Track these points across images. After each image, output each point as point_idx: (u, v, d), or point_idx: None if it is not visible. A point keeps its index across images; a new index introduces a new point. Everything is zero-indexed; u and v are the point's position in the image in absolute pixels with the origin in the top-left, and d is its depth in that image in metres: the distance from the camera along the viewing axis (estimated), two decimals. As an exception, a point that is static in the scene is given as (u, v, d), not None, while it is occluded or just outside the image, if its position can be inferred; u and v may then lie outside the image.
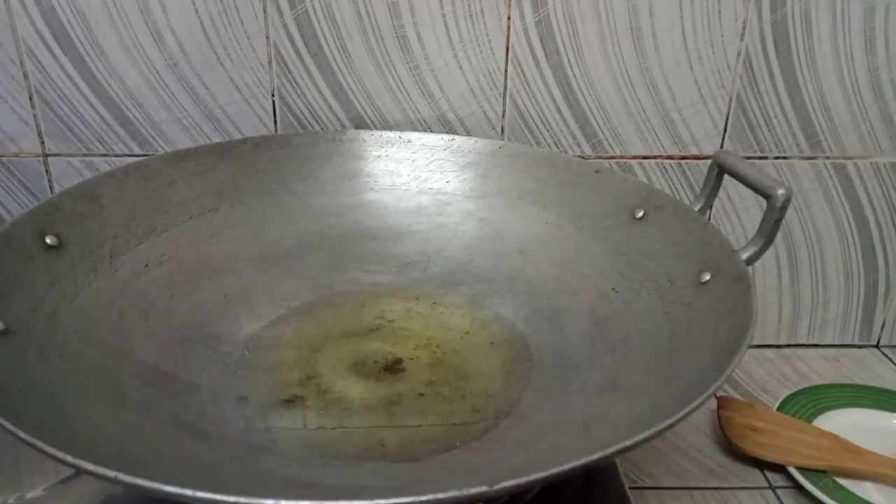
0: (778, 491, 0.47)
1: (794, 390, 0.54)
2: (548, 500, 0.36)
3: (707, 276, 0.36)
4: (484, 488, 0.20)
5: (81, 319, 0.36)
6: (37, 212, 0.38)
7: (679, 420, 0.24)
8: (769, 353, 0.62)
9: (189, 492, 0.20)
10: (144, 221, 0.43)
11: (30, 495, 0.36)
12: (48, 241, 0.37)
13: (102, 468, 0.21)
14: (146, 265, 0.42)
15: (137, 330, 0.38)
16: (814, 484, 0.45)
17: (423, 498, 0.20)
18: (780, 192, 0.35)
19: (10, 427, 0.22)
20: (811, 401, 0.53)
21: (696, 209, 0.42)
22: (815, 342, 0.62)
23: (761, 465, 0.49)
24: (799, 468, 0.46)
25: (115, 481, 0.20)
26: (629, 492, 0.39)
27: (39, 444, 0.22)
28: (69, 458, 0.21)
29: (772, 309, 0.61)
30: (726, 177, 0.41)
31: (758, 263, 0.59)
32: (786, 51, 0.52)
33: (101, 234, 0.41)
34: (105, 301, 0.38)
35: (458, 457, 0.33)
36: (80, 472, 0.21)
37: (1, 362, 0.29)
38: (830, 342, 0.62)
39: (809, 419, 0.51)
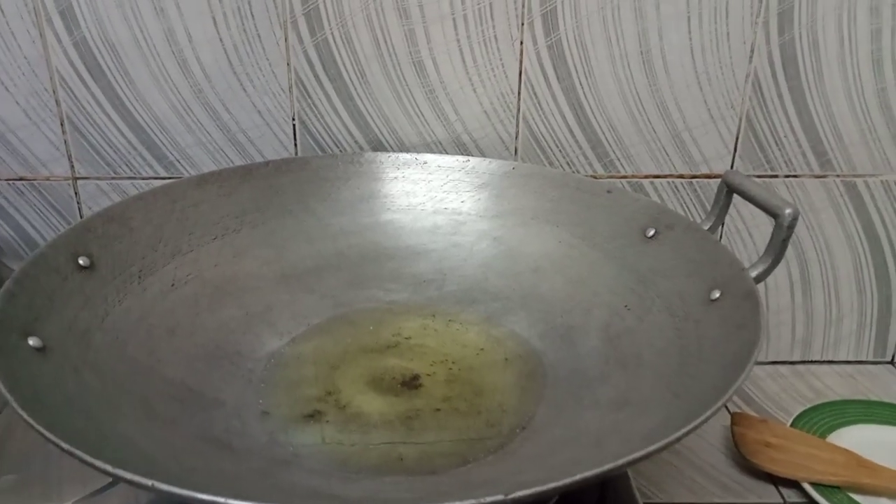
0: (791, 507, 0.47)
1: (809, 406, 0.54)
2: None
3: (717, 294, 0.37)
4: (500, 497, 0.21)
5: (112, 337, 0.37)
6: (70, 234, 0.40)
7: (687, 433, 0.25)
8: (783, 369, 0.62)
9: (221, 499, 0.21)
10: (171, 242, 0.45)
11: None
12: (81, 262, 0.39)
13: (140, 477, 0.22)
14: (173, 284, 0.44)
15: (164, 347, 0.40)
16: (828, 500, 0.45)
17: None
18: (788, 211, 0.36)
19: (53, 438, 0.24)
20: (825, 417, 0.53)
21: (706, 228, 0.43)
22: (830, 359, 0.62)
23: (775, 480, 0.49)
24: (813, 484, 0.46)
25: (151, 489, 0.21)
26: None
27: (80, 454, 0.23)
28: (109, 468, 0.22)
29: (785, 326, 0.61)
30: (737, 195, 0.42)
31: (771, 281, 0.60)
32: (794, 72, 0.53)
33: (130, 254, 0.42)
34: (134, 319, 0.40)
35: (475, 470, 0.34)
36: (117, 480, 0.23)
37: (40, 378, 0.30)
38: (844, 359, 0.62)
39: (823, 435, 0.51)
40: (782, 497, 0.48)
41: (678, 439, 0.25)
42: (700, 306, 0.37)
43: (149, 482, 0.22)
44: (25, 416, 0.25)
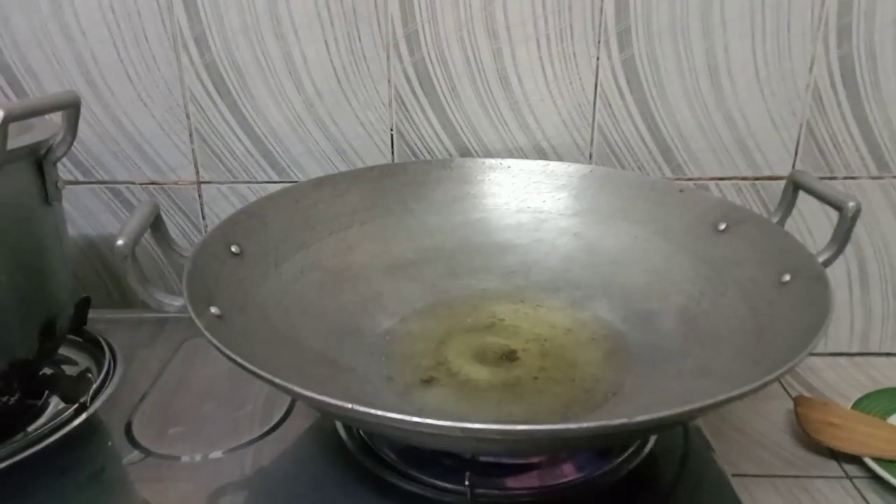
0: (854, 480, 0.51)
1: (867, 392, 0.58)
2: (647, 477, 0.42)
3: (787, 277, 0.41)
4: (624, 420, 0.27)
5: (261, 313, 0.44)
6: (223, 227, 0.47)
7: (774, 380, 0.30)
8: (842, 360, 0.66)
9: (416, 418, 0.27)
10: (297, 236, 0.52)
11: (212, 455, 0.44)
12: (233, 249, 0.46)
13: (340, 401, 0.28)
14: (301, 271, 0.50)
15: (300, 324, 0.46)
16: (890, 473, 0.49)
17: (575, 426, 0.26)
18: (851, 204, 0.41)
19: (270, 378, 0.30)
20: (884, 402, 0.57)
21: (774, 222, 0.48)
22: (887, 351, 0.66)
23: (837, 457, 0.53)
24: (875, 459, 0.50)
25: (351, 413, 0.28)
26: (731, 478, 0.44)
27: (294, 387, 0.29)
28: (315, 395, 0.29)
29: (844, 320, 0.65)
30: (799, 195, 0.47)
31: (832, 277, 0.64)
32: (852, 82, 0.58)
33: (267, 245, 0.49)
34: (275, 299, 0.47)
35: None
36: (320, 405, 0.29)
37: (227, 338, 0.37)
38: (902, 351, 0.66)
39: (883, 417, 0.55)
40: (844, 471, 0.52)
41: (766, 384, 0.30)
42: (772, 289, 0.42)
43: (349, 405, 0.28)
44: (228, 352, 0.32)
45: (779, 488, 0.51)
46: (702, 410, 0.28)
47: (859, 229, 0.62)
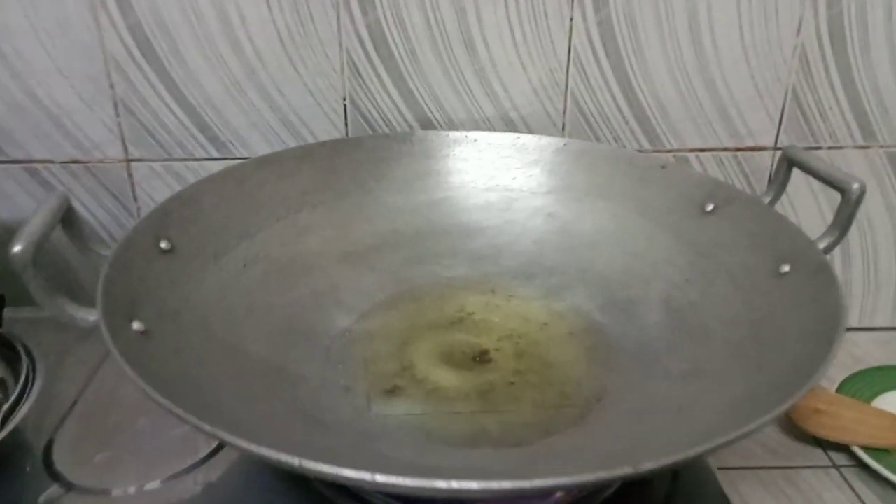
0: (842, 469, 0.49)
1: (851, 373, 0.55)
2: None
3: (786, 268, 0.38)
4: (628, 469, 0.22)
5: (198, 317, 0.39)
6: (152, 217, 0.41)
7: (794, 402, 0.26)
8: (822, 337, 0.63)
9: (367, 476, 0.22)
10: (239, 224, 0.46)
11: (148, 487, 0.39)
12: (162, 245, 0.40)
13: (286, 455, 0.23)
14: (244, 265, 0.45)
15: (245, 326, 0.41)
16: (877, 461, 0.47)
17: (566, 480, 0.22)
18: (855, 185, 0.37)
19: (197, 422, 0.25)
20: (868, 383, 0.55)
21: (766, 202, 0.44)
22: (867, 325, 0.64)
23: (823, 445, 0.51)
24: (862, 447, 0.48)
25: (299, 469, 0.23)
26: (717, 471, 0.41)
27: (224, 435, 0.24)
28: (253, 448, 0.24)
29: (824, 294, 0.63)
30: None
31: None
32: (841, 45, 0.54)
33: (204, 237, 0.43)
34: (214, 299, 0.41)
35: (560, 441, 0.35)
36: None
37: (148, 359, 0.31)
38: (882, 325, 0.64)
39: (868, 400, 0.53)
40: (831, 460, 0.50)
41: (786, 410, 0.26)
42: (768, 279, 0.38)
43: (296, 461, 0.23)
44: (149, 390, 0.26)
45: (763, 480, 0.49)
46: (716, 448, 0.24)
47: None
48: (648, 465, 0.22)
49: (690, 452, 0.23)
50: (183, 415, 0.25)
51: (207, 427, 0.24)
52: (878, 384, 0.54)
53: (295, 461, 0.23)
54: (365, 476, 0.23)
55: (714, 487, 0.41)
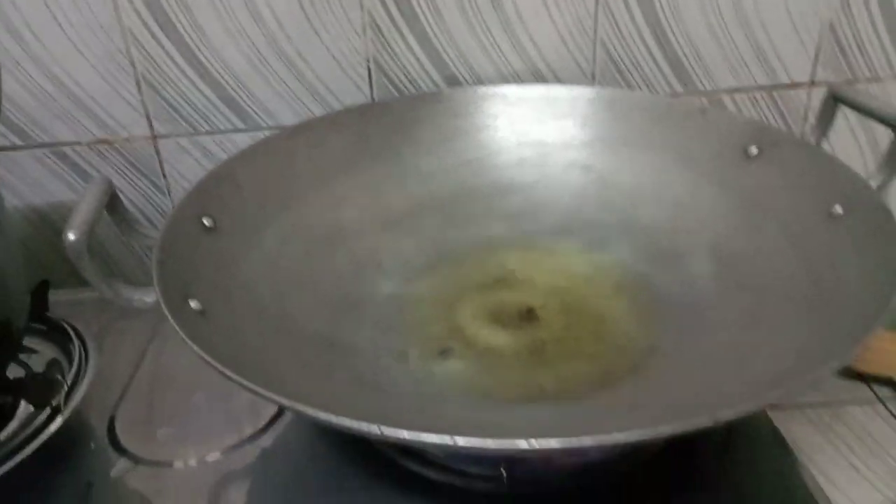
0: (888, 403, 0.49)
1: (896, 311, 0.55)
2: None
3: (839, 210, 0.37)
4: (705, 420, 0.22)
5: (249, 294, 0.39)
6: (191, 198, 0.40)
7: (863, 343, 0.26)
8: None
9: (449, 440, 0.23)
10: (276, 197, 0.46)
11: (210, 457, 0.40)
12: (205, 222, 0.40)
13: (366, 424, 0.23)
14: (285, 239, 0.44)
15: (294, 300, 0.41)
16: (926, 394, 0.47)
17: (644, 433, 0.22)
18: (911, 121, 0.36)
19: (285, 400, 0.25)
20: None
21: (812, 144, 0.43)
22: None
23: (867, 380, 0.51)
24: (907, 379, 0.48)
25: (380, 437, 0.23)
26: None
27: (306, 409, 0.24)
28: (333, 419, 0.24)
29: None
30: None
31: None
32: (881, -30, 0.52)
33: (244, 212, 0.43)
34: (262, 275, 0.41)
35: (616, 395, 0.36)
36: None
37: (213, 338, 0.31)
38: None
39: (913, 335, 0.52)
40: (875, 393, 0.50)
41: (857, 351, 0.26)
42: (820, 223, 0.38)
43: (376, 428, 0.23)
44: (228, 371, 0.27)
45: (811, 419, 0.49)
46: (789, 393, 0.24)
47: (880, 132, 0.58)
48: (727, 415, 0.22)
49: (768, 398, 0.23)
50: (265, 392, 0.25)
51: (286, 402, 0.25)
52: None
53: (375, 429, 0.23)
54: (446, 440, 0.23)
55: (768, 428, 0.41)
